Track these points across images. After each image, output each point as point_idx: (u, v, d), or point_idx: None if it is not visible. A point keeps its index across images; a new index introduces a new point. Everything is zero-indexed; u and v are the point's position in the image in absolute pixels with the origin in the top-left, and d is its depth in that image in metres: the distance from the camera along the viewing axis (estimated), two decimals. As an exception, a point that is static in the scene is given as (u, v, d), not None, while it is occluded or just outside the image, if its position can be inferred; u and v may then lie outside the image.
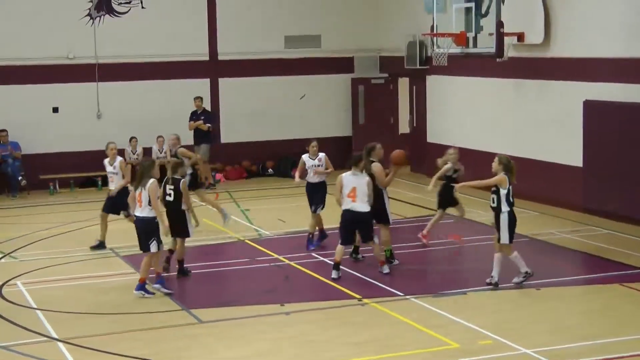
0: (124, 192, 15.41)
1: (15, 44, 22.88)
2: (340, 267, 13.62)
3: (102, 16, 23.73)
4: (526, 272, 12.92)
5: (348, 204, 13.40)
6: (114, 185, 16.00)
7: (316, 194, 15.55)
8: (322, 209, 15.55)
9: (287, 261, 14.73)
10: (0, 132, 22.37)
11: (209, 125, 22.97)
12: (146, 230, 12.83)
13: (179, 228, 13.54)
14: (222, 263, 15.00)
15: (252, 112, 24.94)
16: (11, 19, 22.85)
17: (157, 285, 12.99)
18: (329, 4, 25.52)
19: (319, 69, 25.58)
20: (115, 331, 11.39)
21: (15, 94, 22.90)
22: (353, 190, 13.36)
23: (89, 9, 23.60)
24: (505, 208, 12.75)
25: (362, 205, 13.34)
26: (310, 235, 15.62)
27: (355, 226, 13.60)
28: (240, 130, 24.87)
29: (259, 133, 24.83)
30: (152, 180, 12.80)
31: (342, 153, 25.58)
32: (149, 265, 12.97)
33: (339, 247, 13.62)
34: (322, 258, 14.83)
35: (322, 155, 15.78)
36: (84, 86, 23.60)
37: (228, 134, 24.66)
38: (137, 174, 12.98)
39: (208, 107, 24.19)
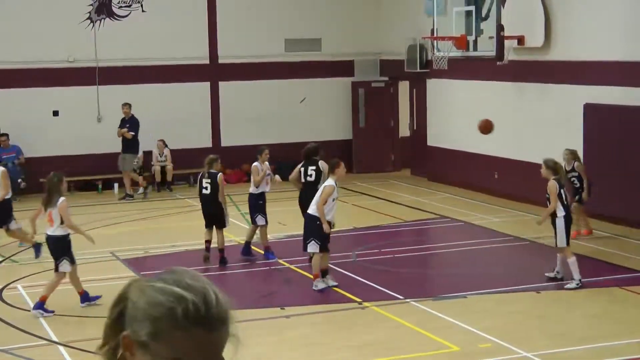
0: (3, 204, 15.06)
1: (16, 47, 22.89)
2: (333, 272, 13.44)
3: (103, 19, 23.74)
4: (579, 281, 12.77)
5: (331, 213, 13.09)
6: None
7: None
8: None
9: (287, 264, 14.72)
10: (0, 136, 22.30)
11: (132, 133, 22.08)
12: (56, 249, 12.29)
13: (217, 219, 14.37)
14: (223, 267, 14.97)
15: (252, 115, 24.94)
16: (12, 22, 22.86)
17: (35, 311, 12.10)
18: (330, 7, 25.54)
19: (319, 72, 25.59)
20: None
21: (15, 97, 22.90)
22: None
23: (90, 12, 23.62)
24: (560, 213, 12.71)
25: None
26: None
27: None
28: (240, 133, 24.86)
29: (259, 136, 24.80)
30: (62, 199, 12.08)
31: (342, 156, 25.64)
32: (56, 285, 12.25)
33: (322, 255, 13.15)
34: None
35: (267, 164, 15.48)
36: (85, 89, 23.60)
37: (228, 137, 24.67)
38: (46, 190, 12.34)
39: (208, 110, 24.26)
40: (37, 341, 11.11)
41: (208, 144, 24.24)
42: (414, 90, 24.66)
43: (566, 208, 12.83)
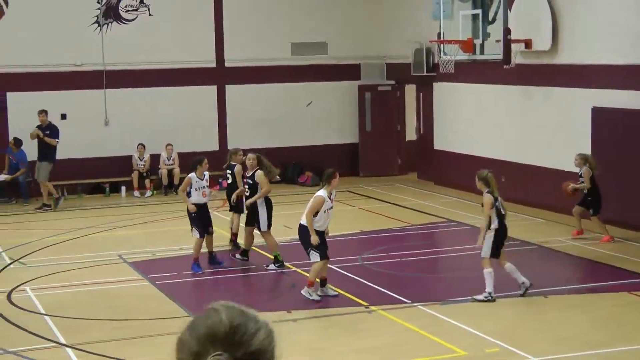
0: None
1: (24, 51, 22.96)
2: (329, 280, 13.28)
3: (110, 23, 23.80)
4: (489, 294, 12.53)
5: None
6: None
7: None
8: None
9: (293, 268, 14.74)
10: (15, 141, 22.24)
11: (57, 140, 21.49)
12: None
13: (236, 204, 15.51)
14: (230, 269, 15.01)
15: (259, 118, 24.98)
16: (19, 26, 22.93)
17: None
18: (336, 10, 25.58)
19: (325, 76, 25.62)
20: (123, 337, 11.42)
21: (23, 101, 22.96)
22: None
23: (97, 16, 23.68)
24: (494, 225, 12.67)
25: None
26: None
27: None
28: (246, 137, 24.88)
29: (265, 140, 24.84)
30: None
31: (348, 160, 25.68)
32: None
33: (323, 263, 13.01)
34: (329, 265, 14.79)
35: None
36: (92, 93, 23.66)
37: (235, 141, 24.67)
38: None
39: (214, 113, 24.34)
40: (45, 343, 11.14)
41: (215, 147, 24.28)
42: (421, 93, 24.67)
43: (502, 220, 12.68)
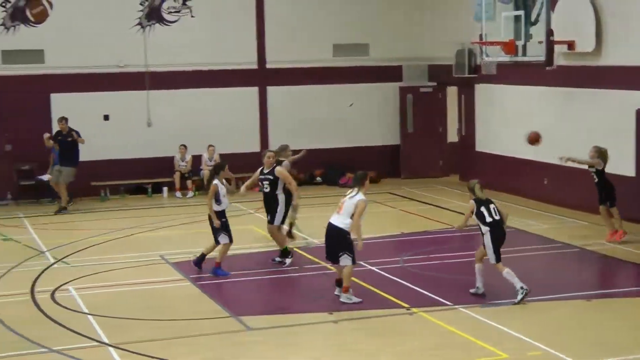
0: None
1: (67, 52, 23.20)
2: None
3: (153, 25, 23.98)
4: (521, 288, 12.55)
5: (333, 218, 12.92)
6: None
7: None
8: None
9: (334, 269, 14.72)
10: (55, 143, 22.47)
11: (84, 140, 21.55)
12: None
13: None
14: (271, 270, 15.03)
15: (300, 120, 25.01)
16: (63, 28, 23.18)
17: None
18: (378, 12, 25.54)
19: (367, 78, 25.59)
20: (164, 337, 11.48)
21: (68, 102, 23.20)
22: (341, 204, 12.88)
23: (140, 17, 23.88)
24: (484, 229, 12.83)
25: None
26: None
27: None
28: (288, 138, 24.85)
29: (307, 141, 24.82)
30: None
31: (389, 162, 25.62)
32: None
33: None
34: (370, 266, 14.80)
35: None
36: (135, 94, 23.85)
37: (276, 142, 24.68)
38: None
39: (256, 115, 24.49)
40: (88, 342, 11.23)
41: (256, 148, 24.34)
42: (462, 95, 24.56)
43: (490, 225, 12.67)
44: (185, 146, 23.67)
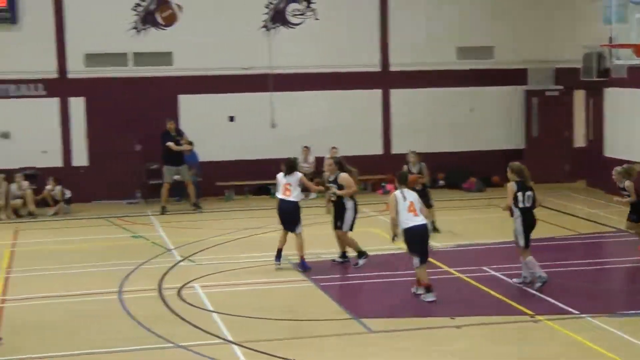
0: None
1: (194, 54, 23.71)
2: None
3: (277, 27, 24.28)
4: (540, 276, 13.31)
5: (417, 220, 12.97)
6: None
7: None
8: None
9: (458, 274, 14.60)
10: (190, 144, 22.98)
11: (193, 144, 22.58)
12: None
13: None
14: (393, 273, 14.99)
15: (423, 123, 24.89)
16: (191, 31, 23.69)
17: None
18: (503, 14, 25.19)
19: (491, 81, 25.27)
20: (287, 337, 11.59)
21: (194, 103, 23.72)
22: (411, 205, 13.02)
23: (265, 20, 24.21)
24: (515, 214, 13.53)
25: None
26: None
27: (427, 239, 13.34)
28: (410, 141, 24.82)
29: (429, 144, 24.72)
30: None
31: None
32: None
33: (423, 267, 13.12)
34: (493, 272, 14.61)
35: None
36: (259, 96, 24.19)
37: (398, 145, 24.67)
38: None
39: (378, 117, 24.50)
40: (213, 340, 11.43)
41: (379, 151, 24.38)
42: (590, 99, 23.98)
43: (522, 210, 13.38)
44: (308, 148, 23.86)
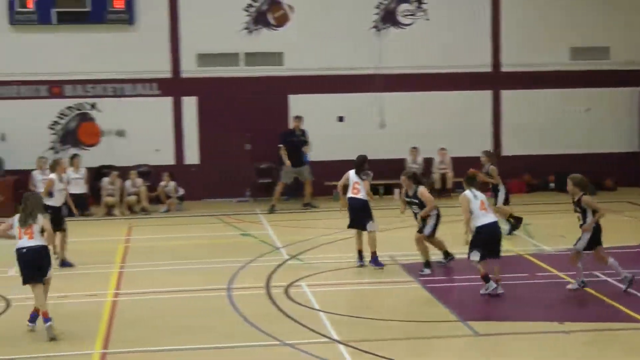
0: None
1: (304, 54, 23.91)
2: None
3: (387, 28, 24.27)
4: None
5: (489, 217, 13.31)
6: None
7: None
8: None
9: (567, 278, 14.32)
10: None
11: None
12: (43, 258, 11.75)
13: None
14: (501, 277, 14.78)
15: (534, 124, 24.53)
16: (302, 31, 23.89)
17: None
18: (619, 14, 24.61)
19: (606, 82, 24.72)
20: (392, 337, 11.57)
21: (304, 103, 23.90)
22: (482, 204, 13.32)
23: (375, 20, 24.23)
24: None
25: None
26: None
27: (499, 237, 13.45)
28: (521, 143, 24.54)
29: (538, 146, 24.37)
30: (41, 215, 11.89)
31: (629, 169, 24.58)
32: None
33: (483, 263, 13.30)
34: (604, 277, 14.27)
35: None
36: (368, 96, 24.22)
37: (509, 147, 24.37)
38: (26, 207, 11.83)
39: (488, 118, 24.22)
40: (319, 338, 11.49)
41: (488, 152, 24.09)
42: None
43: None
44: (416, 148, 23.77)
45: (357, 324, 12.16)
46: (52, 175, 15.99)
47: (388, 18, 24.39)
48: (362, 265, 15.44)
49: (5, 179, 22.81)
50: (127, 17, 23.45)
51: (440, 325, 12.05)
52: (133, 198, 22.55)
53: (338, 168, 23.65)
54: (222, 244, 18.20)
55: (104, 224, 21.30)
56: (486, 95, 24.68)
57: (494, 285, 13.25)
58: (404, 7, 24.39)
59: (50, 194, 15.66)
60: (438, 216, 15.28)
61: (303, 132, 22.60)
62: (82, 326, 12.10)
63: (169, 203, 22.63)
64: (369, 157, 22.91)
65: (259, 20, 24.06)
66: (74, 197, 21.95)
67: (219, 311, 12.91)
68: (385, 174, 23.81)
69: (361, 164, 15.71)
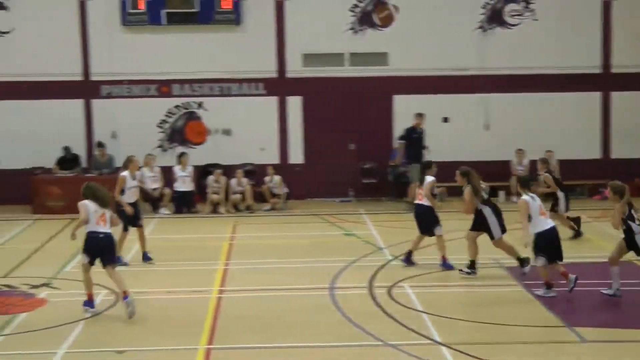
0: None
1: (410, 55, 23.85)
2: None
3: (493, 28, 24.01)
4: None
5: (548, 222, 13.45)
6: None
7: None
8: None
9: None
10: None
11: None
12: (112, 245, 12.84)
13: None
14: (609, 282, 14.46)
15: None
16: (407, 32, 23.85)
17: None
18: None
19: None
20: (495, 341, 11.45)
21: (408, 103, 23.83)
22: (541, 208, 13.48)
23: (481, 21, 24.00)
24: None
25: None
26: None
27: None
28: (631, 145, 23.97)
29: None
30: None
31: None
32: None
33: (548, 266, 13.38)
34: None
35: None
36: (473, 97, 24.01)
37: (617, 150, 23.85)
38: (100, 197, 12.70)
39: (597, 120, 23.79)
40: (421, 340, 11.46)
41: (597, 155, 23.66)
42: None
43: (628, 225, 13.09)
44: (522, 150, 23.46)
45: (460, 327, 12.08)
46: (124, 173, 16.27)
47: (494, 18, 24.13)
48: (405, 265, 15.61)
49: (116, 175, 23.34)
50: (234, 17, 23.78)
51: (545, 329, 11.86)
52: (238, 196, 22.86)
53: (443, 170, 23.61)
54: (326, 243, 18.31)
55: (209, 221, 21.66)
56: (594, 96, 24.17)
57: (554, 293, 13.43)
58: (511, 7, 24.09)
59: (122, 191, 15.98)
60: (496, 212, 14.97)
61: (422, 131, 22.49)
62: (188, 322, 12.34)
63: (273, 202, 22.87)
64: (473, 159, 22.80)
65: (364, 20, 24.10)
66: (181, 194, 22.54)
67: (322, 310, 12.99)
68: (491, 176, 23.57)
69: (422, 171, 15.90)
